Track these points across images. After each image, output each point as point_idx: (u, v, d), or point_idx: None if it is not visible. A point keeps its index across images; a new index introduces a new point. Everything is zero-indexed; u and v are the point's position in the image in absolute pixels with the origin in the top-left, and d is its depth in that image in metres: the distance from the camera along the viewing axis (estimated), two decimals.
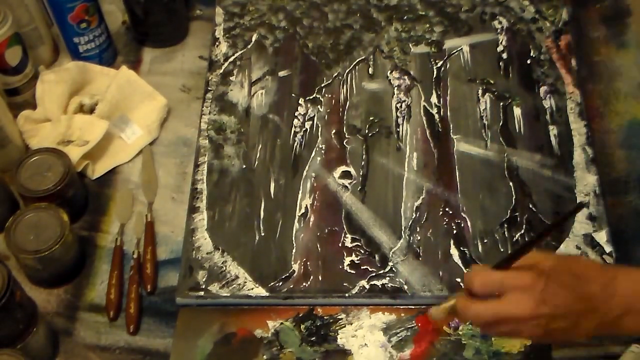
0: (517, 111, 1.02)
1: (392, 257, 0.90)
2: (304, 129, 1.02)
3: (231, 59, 1.09)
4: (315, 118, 1.03)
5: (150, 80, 1.06)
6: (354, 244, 0.91)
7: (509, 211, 0.93)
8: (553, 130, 1.00)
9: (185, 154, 1.02)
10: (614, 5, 1.14)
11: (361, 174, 0.97)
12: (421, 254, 0.90)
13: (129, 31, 1.15)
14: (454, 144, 0.99)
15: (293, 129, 1.02)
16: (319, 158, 0.99)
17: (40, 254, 0.85)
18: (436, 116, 1.02)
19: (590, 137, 0.99)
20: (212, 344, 0.86)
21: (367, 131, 1.01)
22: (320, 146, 1.00)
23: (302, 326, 0.87)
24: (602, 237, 0.91)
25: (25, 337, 0.81)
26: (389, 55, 1.08)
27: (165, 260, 0.93)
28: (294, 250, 0.91)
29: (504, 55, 1.08)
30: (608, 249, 0.90)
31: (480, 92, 1.04)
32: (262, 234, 0.92)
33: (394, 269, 0.89)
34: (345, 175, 0.97)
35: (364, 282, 0.88)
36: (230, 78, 1.07)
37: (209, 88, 1.06)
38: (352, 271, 0.89)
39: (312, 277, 0.89)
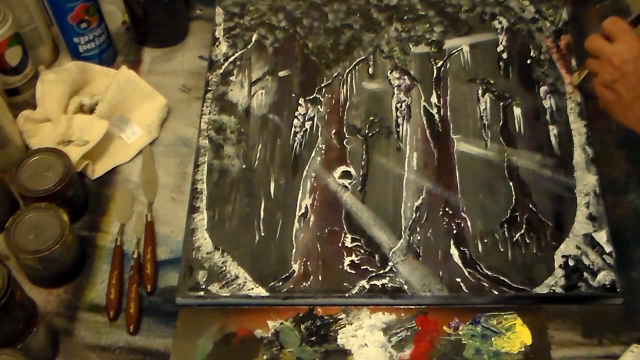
0: (517, 111, 1.02)
1: (392, 257, 0.90)
2: (304, 129, 1.02)
3: (231, 59, 1.09)
4: (315, 118, 1.03)
5: (150, 80, 1.06)
6: (354, 244, 0.91)
7: (509, 211, 0.93)
8: (553, 130, 1.00)
9: (185, 154, 1.02)
10: (614, 5, 1.15)
11: (361, 174, 0.97)
12: (421, 254, 0.90)
13: (129, 31, 1.15)
14: (454, 144, 0.99)
15: (293, 129, 1.02)
16: (319, 158, 0.99)
17: (40, 254, 0.85)
18: (436, 116, 1.02)
19: (590, 137, 0.99)
20: (212, 344, 0.86)
21: (367, 131, 1.01)
22: (320, 146, 1.00)
23: (302, 326, 0.87)
24: (602, 237, 0.91)
25: (25, 337, 0.81)
26: (389, 55, 1.08)
27: (165, 260, 0.93)
28: (294, 250, 0.91)
29: (504, 55, 1.08)
30: (608, 249, 0.90)
31: (480, 92, 1.04)
32: (262, 234, 0.92)
33: (394, 269, 0.89)
34: (345, 175, 0.97)
35: (364, 282, 0.88)
36: (230, 78, 1.07)
37: (209, 88, 1.06)
38: (352, 271, 0.89)
39: (312, 277, 0.89)
